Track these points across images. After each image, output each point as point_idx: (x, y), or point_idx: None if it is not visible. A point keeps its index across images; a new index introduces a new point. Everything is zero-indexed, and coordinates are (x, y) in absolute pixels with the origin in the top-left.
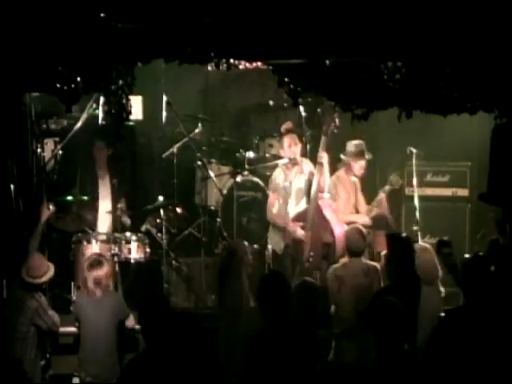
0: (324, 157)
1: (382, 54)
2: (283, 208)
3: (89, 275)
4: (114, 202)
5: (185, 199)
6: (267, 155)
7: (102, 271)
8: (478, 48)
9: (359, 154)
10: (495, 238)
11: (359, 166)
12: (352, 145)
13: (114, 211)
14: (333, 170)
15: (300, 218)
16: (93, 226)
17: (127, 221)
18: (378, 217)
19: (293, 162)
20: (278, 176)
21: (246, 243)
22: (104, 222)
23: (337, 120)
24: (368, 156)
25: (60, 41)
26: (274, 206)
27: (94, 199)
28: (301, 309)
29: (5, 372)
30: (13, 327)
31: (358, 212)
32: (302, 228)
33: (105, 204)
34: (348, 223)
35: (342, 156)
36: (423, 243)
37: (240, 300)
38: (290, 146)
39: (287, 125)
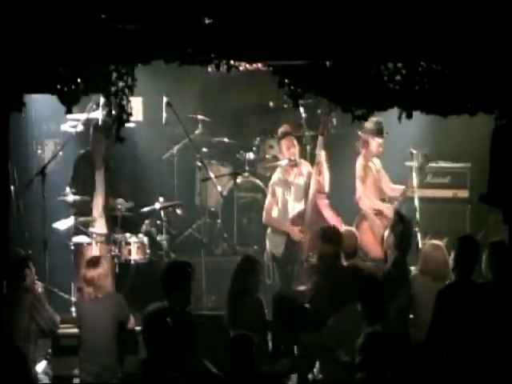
0: (322, 156)
1: (382, 55)
2: (282, 211)
3: (83, 274)
4: (108, 196)
5: (185, 200)
6: (267, 156)
7: (96, 272)
8: (478, 49)
9: (378, 132)
10: (496, 241)
11: (377, 143)
12: (370, 121)
13: (107, 206)
14: (332, 168)
15: (298, 218)
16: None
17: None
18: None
19: (292, 164)
20: (277, 179)
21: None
22: (100, 219)
23: (334, 120)
24: (385, 134)
25: (60, 42)
26: (273, 209)
27: (91, 195)
28: None
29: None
30: (13, 326)
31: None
32: (300, 230)
33: (98, 199)
34: (377, 211)
35: (360, 133)
36: (435, 240)
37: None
38: (288, 149)
39: (284, 128)
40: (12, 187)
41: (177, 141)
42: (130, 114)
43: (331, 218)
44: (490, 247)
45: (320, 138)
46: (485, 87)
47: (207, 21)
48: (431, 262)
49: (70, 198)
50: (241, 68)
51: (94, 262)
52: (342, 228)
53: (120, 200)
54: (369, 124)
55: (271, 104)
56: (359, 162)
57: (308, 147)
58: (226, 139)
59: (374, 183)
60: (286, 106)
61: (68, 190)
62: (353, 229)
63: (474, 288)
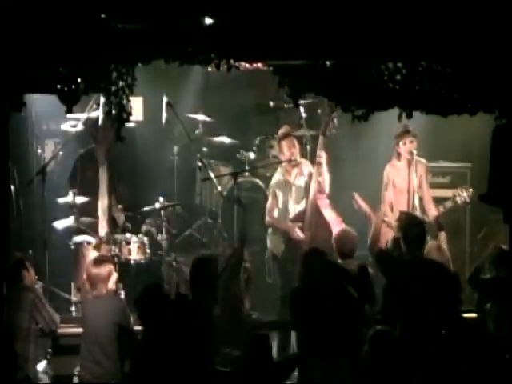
0: (323, 157)
1: (382, 55)
2: (282, 211)
3: (87, 273)
4: (111, 195)
5: (185, 200)
6: (268, 156)
7: (100, 271)
8: (478, 49)
9: (403, 133)
10: (499, 251)
11: (404, 145)
12: (397, 127)
13: (110, 204)
14: (333, 169)
15: (299, 218)
16: (93, 226)
17: (120, 217)
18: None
19: (293, 164)
20: (277, 180)
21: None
22: (103, 218)
23: (335, 120)
24: (413, 132)
25: (60, 41)
26: (274, 211)
27: (95, 194)
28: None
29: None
30: (14, 325)
31: (422, 203)
32: (301, 229)
33: (103, 197)
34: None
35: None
36: (437, 241)
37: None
38: (289, 149)
39: (285, 129)
40: (12, 187)
41: (177, 140)
42: (130, 114)
43: (332, 218)
44: (490, 255)
45: (321, 138)
46: (485, 87)
47: (207, 21)
48: None
49: (70, 198)
50: (241, 68)
51: (100, 260)
52: (341, 227)
53: (119, 207)
54: (396, 129)
55: (271, 104)
56: (386, 167)
57: (308, 147)
58: (226, 139)
59: (400, 191)
60: (286, 105)
61: (69, 190)
62: (351, 229)
63: (425, 263)
